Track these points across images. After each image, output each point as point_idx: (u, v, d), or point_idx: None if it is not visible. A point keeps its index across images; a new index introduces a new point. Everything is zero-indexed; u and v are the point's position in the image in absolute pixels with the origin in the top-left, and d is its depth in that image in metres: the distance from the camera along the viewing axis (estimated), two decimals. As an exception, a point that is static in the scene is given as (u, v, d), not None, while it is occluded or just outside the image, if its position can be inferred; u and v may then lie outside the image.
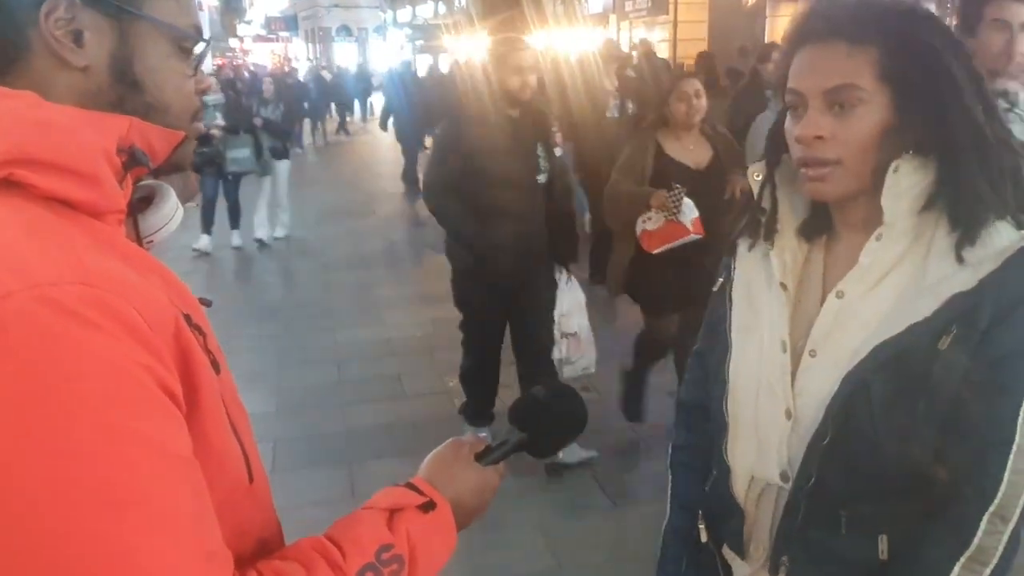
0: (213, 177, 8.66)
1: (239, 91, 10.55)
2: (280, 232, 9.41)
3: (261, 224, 9.20)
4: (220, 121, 8.66)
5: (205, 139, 8.04)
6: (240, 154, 8.58)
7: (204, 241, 8.78)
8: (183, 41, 0.91)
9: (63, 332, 0.69)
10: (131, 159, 0.85)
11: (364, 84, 25.28)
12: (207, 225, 8.80)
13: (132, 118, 0.85)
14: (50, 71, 0.82)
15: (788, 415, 1.25)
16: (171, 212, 0.96)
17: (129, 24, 0.85)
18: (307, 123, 18.58)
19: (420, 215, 11.28)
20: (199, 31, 0.93)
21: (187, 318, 0.81)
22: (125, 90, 0.86)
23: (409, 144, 12.09)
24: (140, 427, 0.70)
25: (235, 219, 9.11)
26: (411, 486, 1.02)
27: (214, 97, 8.62)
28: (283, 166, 9.28)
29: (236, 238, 9.11)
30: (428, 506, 0.99)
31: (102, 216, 0.81)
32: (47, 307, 0.69)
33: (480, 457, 1.13)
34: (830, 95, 1.15)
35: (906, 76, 1.13)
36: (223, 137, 8.50)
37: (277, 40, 55.60)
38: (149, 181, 0.96)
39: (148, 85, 0.87)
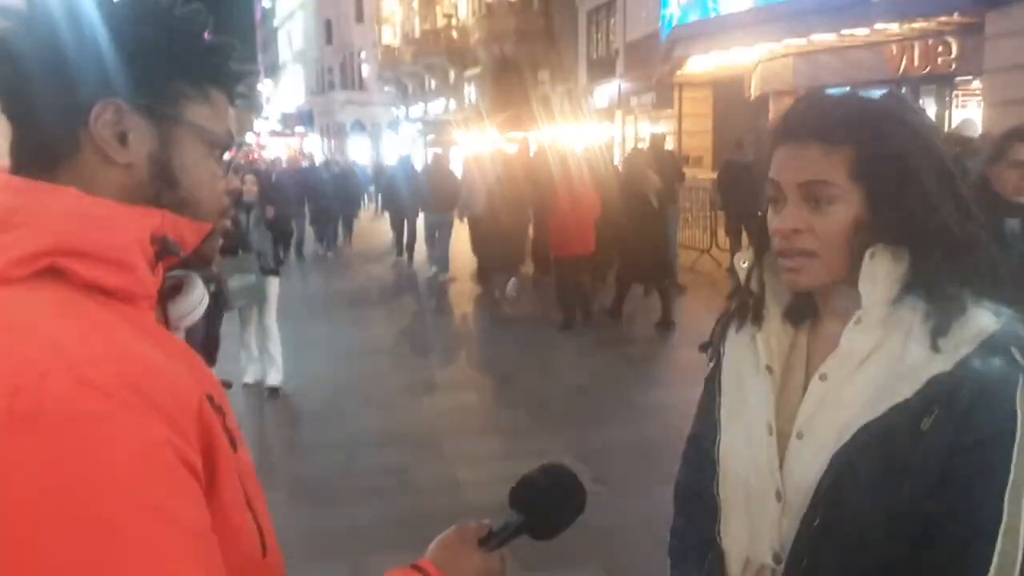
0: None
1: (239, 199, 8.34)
2: (273, 379, 7.15)
3: (263, 370, 7.26)
4: None
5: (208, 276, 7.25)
6: (246, 281, 6.70)
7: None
8: (217, 144, 1.00)
9: (99, 412, 0.73)
10: (163, 248, 0.93)
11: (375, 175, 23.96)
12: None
13: (165, 211, 0.93)
14: (95, 167, 0.91)
15: (778, 497, 1.26)
16: (198, 300, 1.05)
17: (170, 127, 0.95)
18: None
19: (427, 305, 11.38)
20: (231, 136, 1.03)
21: (210, 398, 0.87)
22: (162, 186, 0.94)
23: (400, 219, 14.91)
24: (166, 504, 0.75)
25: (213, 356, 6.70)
26: (418, 568, 1.06)
27: None
28: (274, 285, 7.19)
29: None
30: None
31: (135, 301, 0.89)
32: (84, 387, 0.74)
33: (484, 542, 1.15)
34: (805, 189, 1.21)
35: (877, 176, 1.19)
36: (221, 263, 6.41)
37: (292, 135, 56.86)
38: (178, 272, 1.05)
39: (183, 182, 0.96)
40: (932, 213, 1.17)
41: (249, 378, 7.27)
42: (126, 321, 0.85)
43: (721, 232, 13.03)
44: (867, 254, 1.19)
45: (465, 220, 12.24)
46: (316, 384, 7.39)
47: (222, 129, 1.00)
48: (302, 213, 15.80)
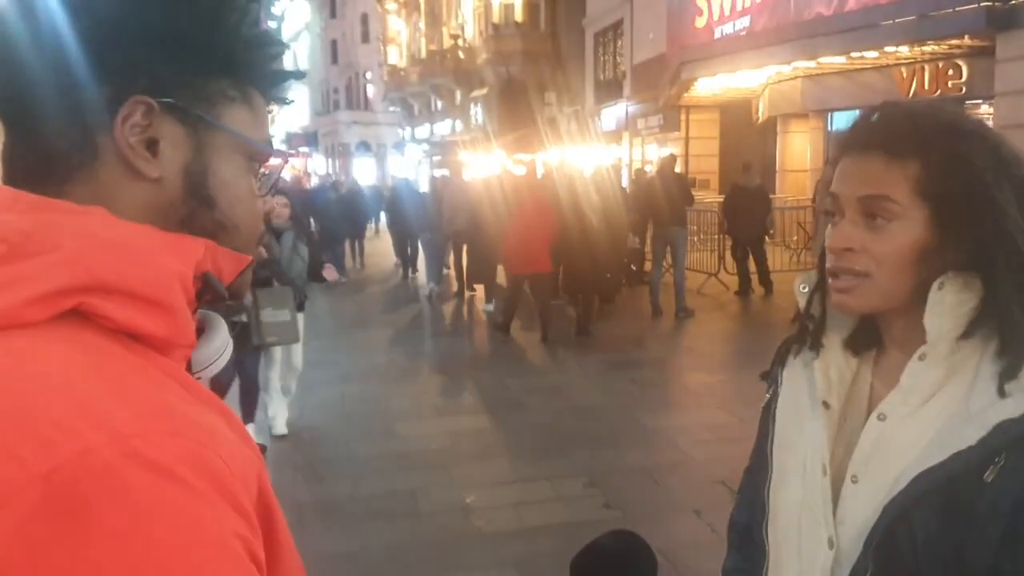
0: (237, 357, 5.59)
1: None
2: (280, 427, 6.38)
3: (279, 410, 6.48)
4: None
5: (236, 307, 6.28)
6: (280, 316, 5.83)
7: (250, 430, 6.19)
8: (256, 156, 0.85)
9: (154, 495, 0.59)
10: (205, 287, 0.78)
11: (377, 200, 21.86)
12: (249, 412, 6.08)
13: (208, 241, 0.78)
14: (118, 181, 0.74)
15: (831, 544, 1.18)
16: (223, 346, 0.86)
17: (206, 135, 0.79)
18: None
19: (434, 326, 11.33)
20: (272, 147, 0.87)
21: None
22: (197, 206, 0.78)
23: (403, 237, 15.51)
24: None
25: (252, 407, 6.13)
26: None
27: None
28: (301, 321, 6.36)
29: (253, 434, 6.10)
30: None
31: (171, 351, 0.73)
32: (136, 464, 0.59)
33: None
34: (863, 203, 1.13)
35: (945, 194, 1.10)
36: (255, 295, 5.63)
37: (297, 155, 57.13)
38: (199, 310, 0.85)
39: (221, 202, 0.80)
40: (1007, 239, 1.07)
41: (282, 428, 6.36)
42: (167, 377, 0.70)
43: (729, 255, 12.98)
44: (936, 283, 1.10)
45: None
46: (323, 407, 7.31)
47: (263, 138, 0.85)
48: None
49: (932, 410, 1.13)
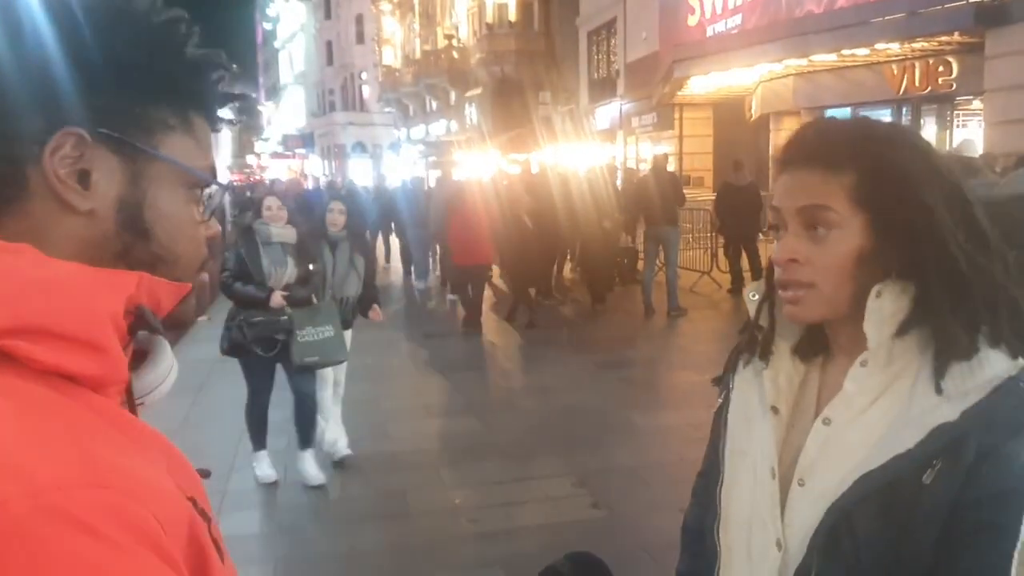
0: (266, 365, 5.34)
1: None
2: (343, 448, 5.86)
3: (338, 434, 5.90)
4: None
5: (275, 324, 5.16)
6: (323, 333, 5.32)
7: (265, 466, 5.50)
8: (198, 184, 0.82)
9: (70, 551, 0.56)
10: (139, 320, 0.76)
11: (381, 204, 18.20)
12: (259, 438, 5.55)
13: (142, 274, 0.75)
14: (48, 215, 0.72)
15: (779, 546, 1.20)
16: (167, 371, 0.83)
17: (143, 165, 0.76)
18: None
19: (425, 326, 11.34)
20: (215, 173, 0.84)
21: (193, 501, 0.71)
22: (133, 239, 0.76)
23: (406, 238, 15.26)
24: None
25: (308, 430, 5.50)
26: None
27: (280, 230, 5.28)
28: (349, 338, 5.85)
29: (310, 466, 5.43)
30: None
31: (104, 388, 0.71)
32: (51, 519, 0.56)
33: None
34: (804, 214, 1.16)
35: (881, 202, 1.13)
36: (293, 315, 5.21)
37: (294, 156, 57.17)
38: (142, 334, 0.82)
39: (158, 233, 0.77)
40: (939, 244, 1.10)
41: (345, 449, 5.81)
42: (95, 416, 0.67)
43: (722, 253, 13.00)
44: (873, 291, 1.13)
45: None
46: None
47: (205, 164, 0.82)
48: None
49: (875, 414, 1.15)
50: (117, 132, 0.74)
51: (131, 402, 0.78)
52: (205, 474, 0.81)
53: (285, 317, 5.19)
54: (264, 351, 5.23)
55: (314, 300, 5.34)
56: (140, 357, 0.83)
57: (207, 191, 0.84)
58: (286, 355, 5.24)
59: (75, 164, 0.72)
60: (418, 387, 8.17)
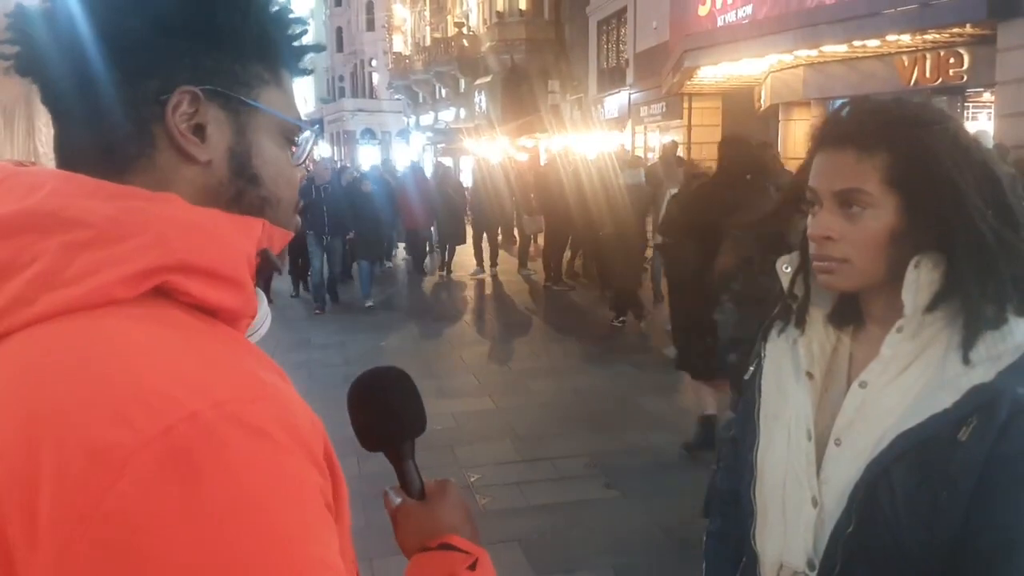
0: None
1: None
2: None
3: None
4: None
5: None
6: None
7: None
8: (290, 132, 0.91)
9: (251, 452, 0.65)
10: (264, 262, 0.85)
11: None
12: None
13: (263, 220, 0.85)
14: (173, 167, 0.81)
15: (814, 503, 1.27)
16: (264, 316, 0.90)
17: (247, 117, 0.85)
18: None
19: (439, 309, 11.40)
20: (304, 120, 0.93)
21: None
22: (244, 184, 0.85)
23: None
24: (317, 552, 0.68)
25: None
26: (448, 546, 1.03)
27: None
28: None
29: None
30: (473, 565, 1.01)
31: (237, 322, 0.81)
32: (233, 425, 0.65)
33: (409, 488, 1.16)
34: (839, 196, 1.22)
35: (912, 182, 1.19)
36: None
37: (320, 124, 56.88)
38: None
39: (264, 178, 0.87)
40: (968, 221, 1.16)
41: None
42: (240, 346, 0.78)
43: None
44: (912, 262, 1.19)
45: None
46: (328, 389, 7.39)
47: (296, 114, 0.91)
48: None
49: (910, 377, 1.22)
50: (224, 88, 0.83)
51: None
52: None
53: None
54: None
55: None
56: None
57: (300, 137, 0.93)
58: None
59: (191, 119, 0.81)
60: (430, 368, 8.20)
